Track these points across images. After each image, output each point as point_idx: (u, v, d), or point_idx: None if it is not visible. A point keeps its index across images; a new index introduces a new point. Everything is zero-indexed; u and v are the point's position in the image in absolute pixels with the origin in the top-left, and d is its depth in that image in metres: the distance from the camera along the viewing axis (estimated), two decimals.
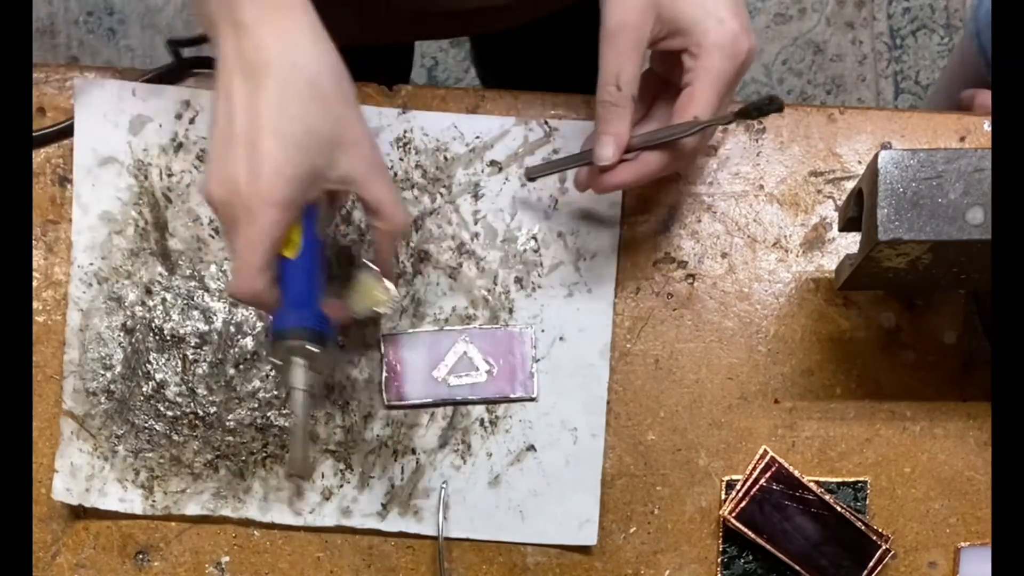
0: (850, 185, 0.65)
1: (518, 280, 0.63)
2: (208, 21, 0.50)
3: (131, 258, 0.63)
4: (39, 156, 0.64)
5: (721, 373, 0.64)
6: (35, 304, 0.63)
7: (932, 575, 0.63)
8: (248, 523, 0.62)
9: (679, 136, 0.54)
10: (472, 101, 0.65)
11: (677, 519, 0.63)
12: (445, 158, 0.64)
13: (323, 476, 0.62)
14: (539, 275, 0.63)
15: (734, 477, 0.63)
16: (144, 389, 0.62)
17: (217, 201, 0.49)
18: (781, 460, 0.62)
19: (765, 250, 0.65)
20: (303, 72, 0.48)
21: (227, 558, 0.63)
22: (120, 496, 0.62)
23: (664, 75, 0.57)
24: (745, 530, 0.61)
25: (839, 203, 0.65)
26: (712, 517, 0.63)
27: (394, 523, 0.62)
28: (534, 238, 0.64)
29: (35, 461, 0.62)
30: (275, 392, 0.62)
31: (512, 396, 0.62)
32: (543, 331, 0.63)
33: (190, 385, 0.63)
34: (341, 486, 0.62)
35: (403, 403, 0.62)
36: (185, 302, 0.63)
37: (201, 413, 0.62)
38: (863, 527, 0.61)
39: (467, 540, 0.62)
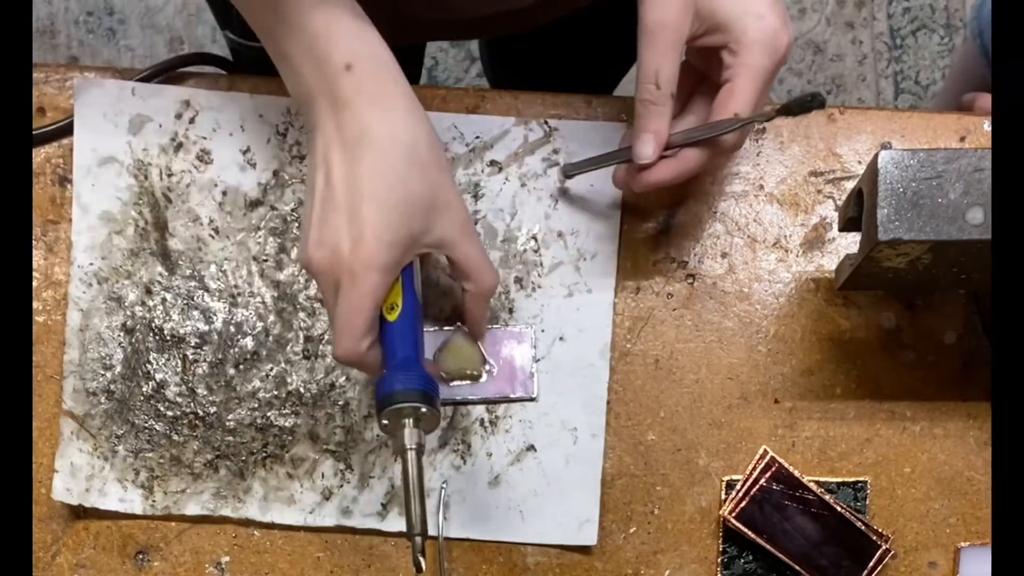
0: (850, 185, 0.65)
1: (518, 280, 0.63)
2: (304, 94, 0.52)
3: (131, 258, 0.63)
4: (39, 156, 0.64)
5: (721, 373, 0.64)
6: (35, 304, 0.63)
7: (932, 575, 0.63)
8: (248, 523, 0.62)
9: (720, 133, 0.54)
10: (472, 101, 0.65)
11: (677, 519, 0.63)
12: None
13: (323, 476, 0.62)
14: (539, 275, 0.63)
15: (734, 477, 0.63)
16: (144, 389, 0.62)
17: (318, 266, 0.51)
18: (781, 460, 0.62)
19: (765, 250, 0.65)
20: (401, 141, 0.50)
21: (227, 558, 0.63)
22: (120, 496, 0.62)
23: (701, 69, 0.57)
24: (745, 530, 0.61)
25: (839, 203, 0.65)
26: (712, 517, 0.63)
27: (394, 523, 0.62)
28: (534, 238, 0.64)
29: (35, 461, 0.62)
30: (275, 392, 0.63)
31: (512, 396, 0.62)
32: (543, 331, 0.63)
33: (190, 385, 0.63)
34: (341, 486, 0.62)
35: None
36: (185, 302, 0.63)
37: (201, 413, 0.62)
38: (863, 527, 0.61)
39: (467, 540, 0.62)
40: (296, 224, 0.63)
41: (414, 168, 0.51)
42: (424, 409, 0.53)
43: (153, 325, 0.63)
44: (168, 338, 0.63)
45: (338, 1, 0.51)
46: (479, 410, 0.63)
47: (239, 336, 0.63)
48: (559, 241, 0.63)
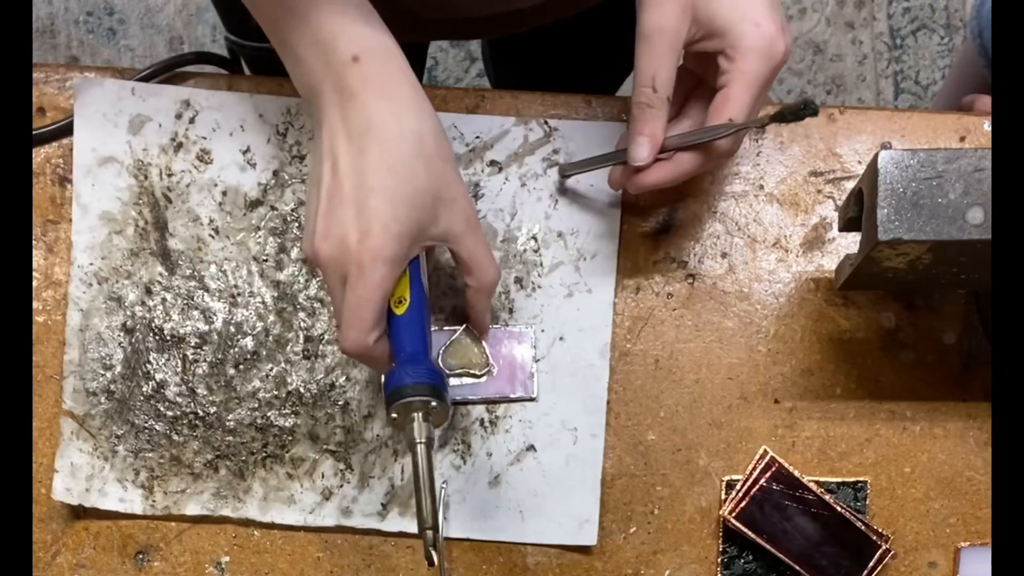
0: (850, 185, 0.65)
1: (518, 280, 0.63)
2: (310, 86, 0.52)
3: (131, 258, 0.63)
4: (39, 156, 0.64)
5: (721, 373, 0.64)
6: (35, 304, 0.63)
7: (932, 575, 0.63)
8: (248, 523, 0.62)
9: (714, 138, 0.54)
10: (472, 101, 0.65)
11: (677, 519, 0.63)
12: None
13: (323, 476, 0.62)
14: (539, 275, 0.63)
15: (734, 477, 0.63)
16: (144, 389, 0.62)
17: (325, 258, 0.50)
18: (781, 460, 0.62)
19: (765, 250, 0.65)
20: (408, 133, 0.50)
21: (227, 558, 0.63)
22: (120, 496, 0.62)
23: (698, 74, 0.57)
24: (745, 530, 0.61)
25: (839, 203, 0.65)
26: (712, 517, 0.63)
27: (394, 523, 0.62)
28: (534, 238, 0.64)
29: (35, 461, 0.62)
30: (275, 392, 0.63)
31: (512, 396, 0.62)
32: (543, 331, 0.63)
33: (190, 385, 0.63)
34: (341, 486, 0.62)
35: None
36: (185, 302, 0.63)
37: (201, 413, 0.62)
38: (863, 527, 0.61)
39: (467, 540, 0.62)
40: (296, 224, 0.63)
41: (421, 160, 0.50)
42: (434, 403, 0.53)
43: (153, 325, 0.63)
44: (168, 338, 0.63)
45: None
46: (479, 410, 0.63)
47: (239, 336, 0.63)
48: (559, 241, 0.64)
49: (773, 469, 0.62)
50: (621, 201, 0.64)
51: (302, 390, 0.62)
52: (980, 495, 0.63)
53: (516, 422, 0.62)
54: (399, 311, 0.53)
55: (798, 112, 0.54)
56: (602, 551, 0.63)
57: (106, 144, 0.63)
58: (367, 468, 0.62)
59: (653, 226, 0.65)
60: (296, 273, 0.63)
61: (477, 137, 0.64)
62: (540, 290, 0.63)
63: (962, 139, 0.65)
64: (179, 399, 0.62)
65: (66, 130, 0.63)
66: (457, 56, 1.61)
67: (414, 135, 0.50)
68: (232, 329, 0.63)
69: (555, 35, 0.82)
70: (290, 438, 0.62)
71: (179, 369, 0.63)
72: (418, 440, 0.52)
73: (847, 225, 0.58)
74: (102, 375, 0.62)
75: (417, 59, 1.00)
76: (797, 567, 0.61)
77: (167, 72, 0.64)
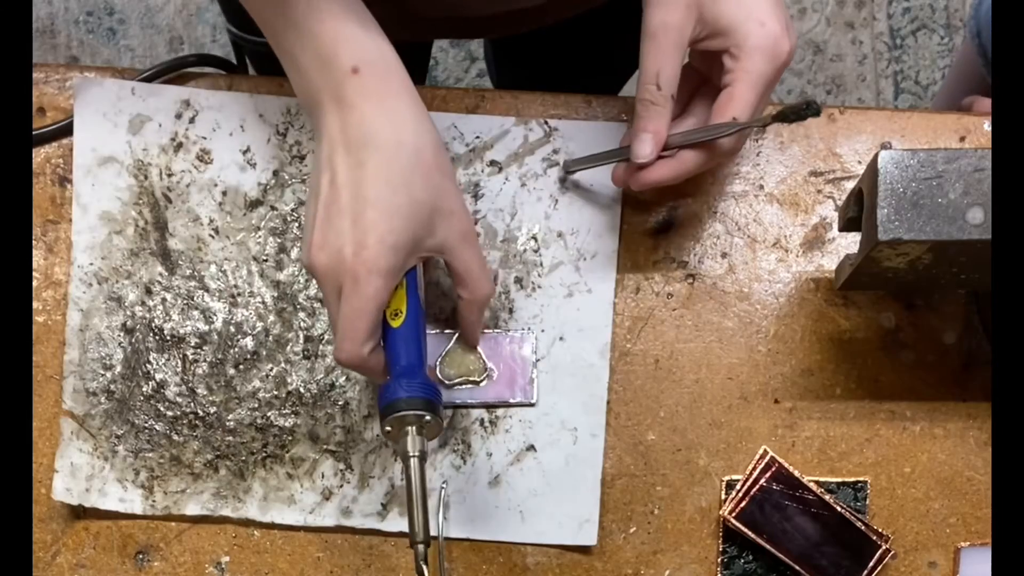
0: (850, 185, 0.65)
1: (518, 280, 0.63)
2: (310, 96, 0.52)
3: (131, 258, 0.63)
4: (39, 156, 0.64)
5: (721, 373, 0.64)
6: (35, 304, 0.63)
7: (932, 575, 0.63)
8: (248, 523, 0.62)
9: (717, 136, 0.54)
10: (472, 101, 0.65)
11: (677, 519, 0.63)
12: None
13: (323, 476, 0.62)
14: (539, 275, 0.63)
15: (734, 477, 0.63)
16: (144, 389, 0.62)
17: (321, 269, 0.51)
18: (781, 460, 0.62)
19: (765, 250, 0.65)
20: (406, 145, 0.50)
21: (227, 558, 0.63)
22: (120, 496, 0.62)
23: (703, 72, 0.57)
24: (745, 530, 0.61)
25: (839, 203, 0.65)
26: (712, 517, 0.63)
27: (394, 523, 0.62)
28: (534, 238, 0.64)
29: (35, 461, 0.62)
30: (275, 392, 0.63)
31: (512, 401, 0.62)
32: (543, 331, 0.63)
33: (190, 385, 0.63)
34: (341, 486, 0.62)
35: None
36: (185, 302, 0.63)
37: (201, 413, 0.62)
38: (863, 527, 0.61)
39: (467, 540, 0.62)
40: (296, 224, 0.63)
41: (418, 173, 0.51)
42: (428, 417, 0.53)
43: (153, 325, 0.63)
44: (168, 338, 0.63)
45: (346, 4, 0.51)
46: (479, 410, 0.63)
47: (239, 336, 0.63)
48: (559, 241, 0.63)
49: (773, 469, 0.62)
50: (621, 201, 0.64)
51: (302, 390, 0.62)
52: (980, 495, 0.63)
53: (516, 422, 0.62)
54: (395, 323, 0.53)
55: (800, 112, 0.54)
56: (602, 551, 0.63)
57: (106, 144, 0.63)
58: (367, 468, 0.62)
59: (653, 226, 0.65)
60: (296, 273, 0.63)
61: (477, 137, 0.64)
62: (540, 290, 0.63)
63: (962, 139, 0.65)
64: (179, 399, 0.62)
65: (66, 130, 0.63)
66: (457, 56, 1.61)
67: (412, 147, 0.51)
68: (232, 329, 0.63)
69: (558, 35, 0.82)
70: (290, 438, 0.62)
71: (179, 369, 0.63)
72: (411, 454, 0.53)
73: (847, 225, 0.58)
74: (102, 375, 0.62)
75: (419, 58, 1.00)
76: (797, 567, 0.61)
77: (168, 74, 0.64)
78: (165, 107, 0.63)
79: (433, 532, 0.61)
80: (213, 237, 0.63)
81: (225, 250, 0.63)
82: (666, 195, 0.64)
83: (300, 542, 0.63)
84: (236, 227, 0.63)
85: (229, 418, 0.62)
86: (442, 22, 0.71)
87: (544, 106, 0.65)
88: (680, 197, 0.65)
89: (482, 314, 0.59)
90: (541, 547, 0.63)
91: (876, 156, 0.51)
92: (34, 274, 0.63)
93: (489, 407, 0.63)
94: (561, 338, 0.63)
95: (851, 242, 0.64)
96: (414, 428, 0.53)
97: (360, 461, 0.62)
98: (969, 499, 0.63)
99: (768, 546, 0.61)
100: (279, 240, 0.63)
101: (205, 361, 0.63)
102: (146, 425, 0.62)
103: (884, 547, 0.61)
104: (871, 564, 0.61)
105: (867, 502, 0.63)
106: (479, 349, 0.62)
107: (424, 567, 0.51)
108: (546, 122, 0.64)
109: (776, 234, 0.65)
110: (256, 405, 0.62)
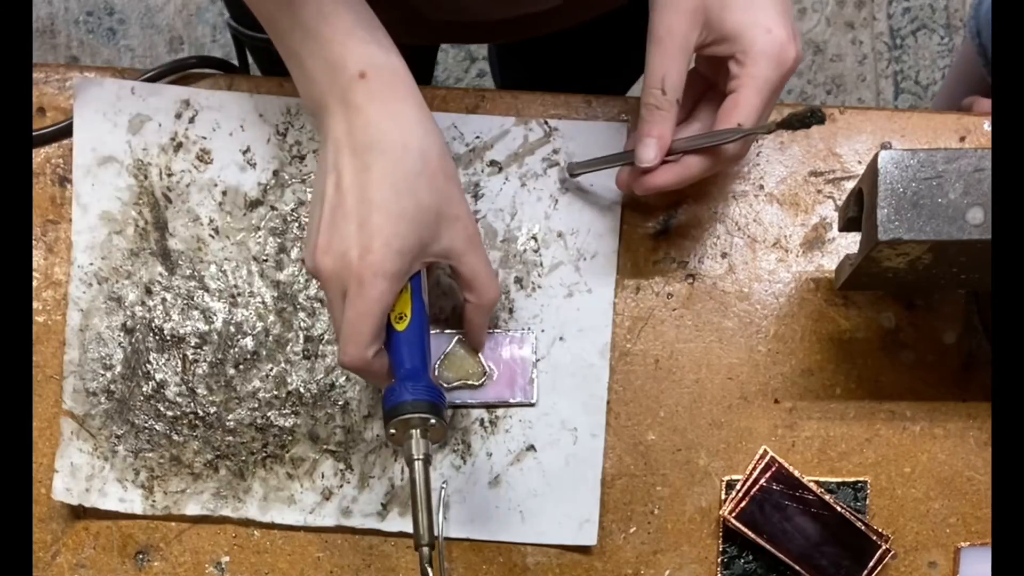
0: (850, 185, 0.65)
1: (518, 280, 0.63)
2: (315, 100, 0.52)
3: (131, 258, 0.63)
4: (39, 156, 0.64)
5: (721, 373, 0.64)
6: (35, 304, 0.63)
7: (932, 575, 0.63)
8: (248, 523, 0.62)
9: (722, 142, 0.54)
10: (472, 101, 0.65)
11: (677, 519, 0.63)
12: None
13: (323, 476, 0.62)
14: (539, 275, 0.63)
15: (734, 477, 0.63)
16: (144, 389, 0.62)
17: (326, 272, 0.51)
18: (781, 460, 0.62)
19: (765, 250, 0.65)
20: (412, 150, 0.50)
21: (227, 558, 0.63)
22: (120, 496, 0.62)
23: (709, 77, 0.57)
24: (745, 530, 0.61)
25: (839, 203, 0.65)
26: (712, 517, 0.63)
27: (394, 523, 0.62)
28: (534, 238, 0.64)
29: (35, 461, 0.62)
30: (275, 392, 0.63)
31: (512, 401, 0.62)
32: (543, 331, 0.63)
33: (190, 385, 0.63)
34: (341, 486, 0.62)
35: None
36: (185, 302, 0.63)
37: (201, 413, 0.62)
38: (863, 527, 0.61)
39: (467, 540, 0.62)
40: (296, 224, 0.63)
41: (424, 177, 0.51)
42: (432, 420, 0.53)
43: (153, 325, 0.63)
44: (168, 338, 0.63)
45: (354, 7, 0.51)
46: (479, 410, 0.63)
47: (239, 336, 0.63)
48: (559, 241, 0.63)
49: (773, 469, 0.62)
50: (621, 201, 0.64)
51: (302, 390, 0.62)
52: (980, 495, 0.63)
53: (516, 422, 0.62)
54: (399, 327, 0.53)
55: (805, 119, 0.54)
56: (602, 551, 0.63)
57: (106, 144, 0.63)
58: (367, 468, 0.62)
59: (653, 226, 0.65)
60: (296, 273, 0.63)
61: (477, 137, 0.64)
62: (540, 290, 0.63)
63: (962, 139, 0.65)
64: (179, 399, 0.62)
65: (66, 130, 0.63)
66: (457, 56, 1.61)
67: (418, 152, 0.51)
68: (232, 329, 0.63)
69: (564, 40, 0.82)
70: (290, 438, 0.62)
71: (179, 369, 0.63)
72: (416, 456, 0.53)
73: (847, 225, 0.58)
74: (102, 375, 0.62)
75: (426, 61, 1.00)
76: (797, 567, 0.61)
77: (169, 76, 0.64)
78: (165, 107, 0.63)
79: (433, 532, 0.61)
80: (213, 237, 0.63)
81: (225, 250, 0.63)
82: (667, 196, 0.64)
83: (300, 542, 0.63)
84: (236, 227, 0.63)
85: (229, 418, 0.62)
86: (448, 26, 0.71)
87: (544, 106, 0.65)
88: (681, 198, 0.65)
89: (488, 317, 0.59)
90: (541, 547, 0.63)
91: (876, 156, 0.51)
92: (34, 274, 0.63)
93: (489, 407, 0.63)
94: (561, 338, 0.63)
95: (851, 242, 0.64)
96: (418, 431, 0.53)
97: (360, 461, 0.62)
98: (969, 499, 0.63)
99: (768, 546, 0.61)
100: (279, 240, 0.63)
101: (205, 361, 0.63)
102: (146, 425, 0.62)
103: (884, 547, 0.61)
104: (871, 564, 0.61)
105: (867, 502, 0.63)
106: (479, 355, 0.62)
107: (429, 570, 0.52)
108: (546, 122, 0.64)
109: (776, 234, 0.65)
110: (256, 405, 0.62)
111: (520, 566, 0.63)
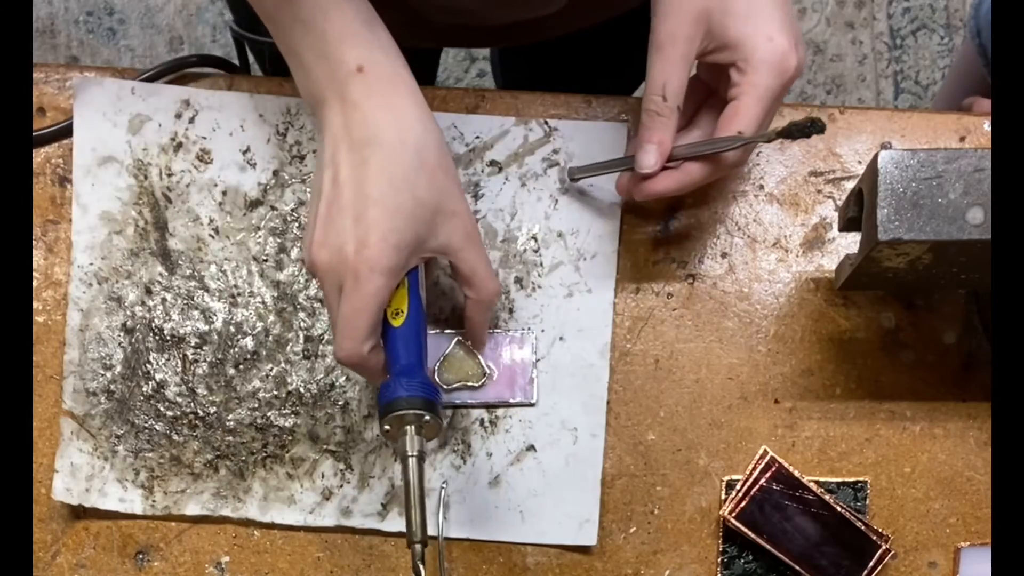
0: (850, 185, 0.65)
1: (518, 280, 0.63)
2: (314, 95, 0.52)
3: (131, 258, 0.63)
4: (39, 156, 0.64)
5: (721, 373, 0.64)
6: (35, 304, 0.63)
7: (932, 575, 0.63)
8: (248, 523, 0.62)
9: (722, 150, 0.54)
10: (472, 101, 0.65)
11: (677, 519, 0.63)
12: None
13: (323, 476, 0.62)
14: (539, 275, 0.63)
15: (734, 477, 0.63)
16: (144, 389, 0.62)
17: (322, 267, 0.51)
18: (781, 460, 0.62)
19: (765, 250, 0.65)
20: (409, 145, 0.50)
21: (227, 558, 0.63)
22: (120, 496, 0.62)
23: (710, 84, 0.57)
24: (745, 530, 0.61)
25: (839, 203, 0.65)
26: (712, 517, 0.63)
27: (394, 523, 0.62)
28: (534, 238, 0.64)
29: (35, 461, 0.62)
30: (275, 392, 0.63)
31: (512, 401, 0.62)
32: (543, 331, 0.63)
33: (190, 385, 0.63)
34: (341, 486, 0.62)
35: None
36: (185, 302, 0.63)
37: (201, 413, 0.62)
38: (863, 527, 0.61)
39: (467, 540, 0.62)
40: (296, 224, 0.63)
41: (422, 172, 0.51)
42: (427, 417, 0.53)
43: (153, 325, 0.63)
44: (168, 338, 0.63)
45: (354, 3, 0.51)
46: (479, 410, 0.63)
47: (239, 336, 0.63)
48: (559, 241, 0.63)
49: (773, 469, 0.62)
50: (622, 201, 0.64)
51: (302, 390, 0.62)
52: (980, 495, 0.63)
53: (516, 422, 0.62)
54: (396, 323, 0.53)
55: (805, 129, 0.54)
56: (602, 551, 0.63)
57: (106, 144, 0.63)
58: (367, 468, 0.62)
59: (653, 226, 0.65)
60: (296, 273, 0.63)
61: (477, 137, 0.64)
62: (540, 290, 0.63)
63: (962, 139, 0.65)
64: (179, 399, 0.62)
65: (66, 130, 0.63)
66: (457, 56, 1.61)
67: (416, 147, 0.51)
68: (232, 329, 0.63)
69: (566, 46, 0.82)
70: (290, 438, 0.62)
71: (179, 369, 0.63)
72: (410, 453, 0.53)
73: (847, 225, 0.58)
74: (102, 375, 0.62)
75: (428, 62, 1.00)
76: (797, 567, 0.61)
77: (169, 75, 0.64)
78: (165, 107, 0.63)
79: (433, 532, 0.61)
80: (213, 237, 0.63)
81: (225, 250, 0.63)
82: (667, 200, 0.64)
83: (300, 542, 0.63)
84: (236, 227, 0.63)
85: (229, 418, 0.62)
86: (451, 29, 0.71)
87: (544, 106, 0.65)
88: (681, 199, 0.65)
89: (489, 314, 0.58)
90: (541, 547, 0.63)
91: (876, 156, 0.51)
92: (34, 274, 0.63)
93: (489, 407, 0.63)
94: (561, 338, 0.63)
95: (851, 242, 0.64)
96: (413, 428, 0.53)
97: (360, 461, 0.62)
98: (969, 499, 0.63)
99: (768, 546, 0.61)
100: (279, 240, 0.63)
101: (205, 361, 0.63)
102: (146, 425, 0.62)
103: (884, 547, 0.61)
104: (871, 564, 0.61)
105: (867, 502, 0.63)
106: (478, 355, 0.62)
107: (421, 567, 0.52)
108: (546, 122, 0.64)
109: (776, 234, 0.65)
110: (256, 405, 0.62)
111: (520, 566, 0.63)
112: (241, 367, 0.63)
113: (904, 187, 0.51)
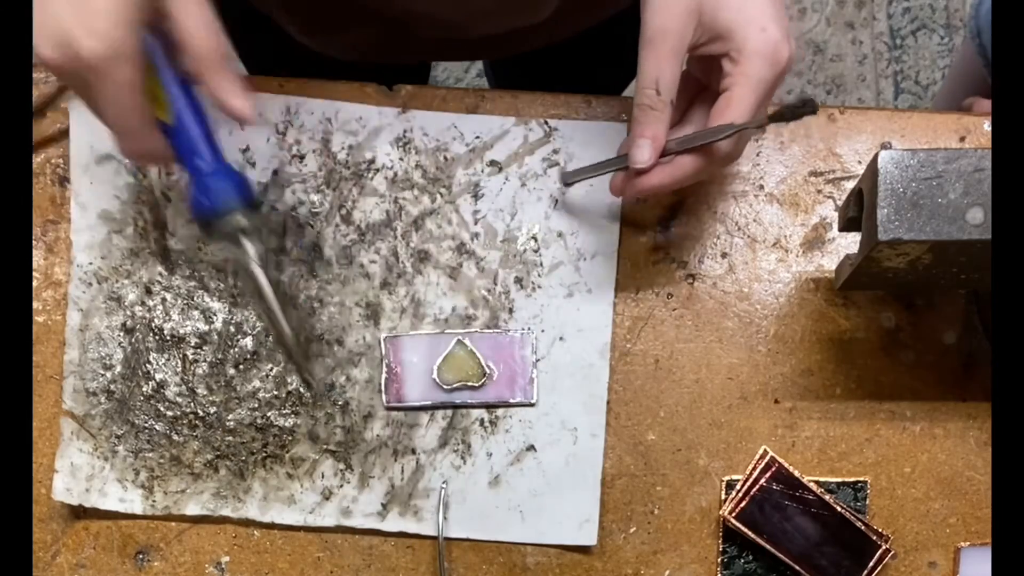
0: (850, 185, 0.65)
1: (518, 280, 0.63)
2: None
3: (131, 258, 0.63)
4: (39, 156, 0.64)
5: (721, 373, 0.64)
6: (35, 304, 0.63)
7: (932, 575, 0.63)
8: (248, 523, 0.62)
9: (714, 140, 0.54)
10: (472, 101, 0.65)
11: (677, 519, 0.63)
12: (445, 158, 0.64)
13: (323, 476, 0.62)
14: (539, 275, 0.63)
15: (734, 477, 0.63)
16: (144, 389, 0.62)
17: (55, 68, 0.46)
18: (781, 460, 0.62)
19: (765, 250, 0.65)
20: None
21: (227, 558, 0.63)
22: (120, 496, 0.62)
23: (702, 78, 0.57)
24: (745, 530, 0.61)
25: (839, 203, 0.65)
26: (712, 517, 0.63)
27: (394, 523, 0.62)
28: (534, 238, 0.64)
29: (35, 461, 0.62)
30: (275, 392, 0.63)
31: (512, 401, 0.62)
32: (543, 331, 0.63)
33: (190, 385, 0.63)
34: (341, 486, 0.62)
35: (402, 405, 0.62)
36: (185, 302, 0.63)
37: (201, 413, 0.62)
38: (863, 527, 0.61)
39: (467, 540, 0.62)
40: (297, 224, 0.63)
41: None
42: (250, 216, 0.48)
43: (153, 325, 0.63)
44: (168, 338, 0.63)
45: None
46: (479, 410, 0.63)
47: (239, 336, 0.63)
48: (559, 241, 0.63)
49: (773, 469, 0.62)
50: (622, 201, 0.64)
51: (302, 390, 0.62)
52: (980, 495, 0.63)
53: (516, 422, 0.62)
54: (163, 115, 0.48)
55: (797, 110, 0.54)
56: (602, 551, 0.63)
57: (104, 141, 0.63)
58: (367, 468, 0.62)
59: (653, 226, 0.65)
60: (296, 273, 0.63)
61: (477, 137, 0.64)
62: (540, 290, 0.63)
63: (962, 139, 0.65)
64: (179, 399, 0.62)
65: (66, 131, 0.63)
66: None
67: None
68: (232, 329, 0.63)
69: (555, 53, 0.82)
70: (290, 438, 0.62)
71: (179, 369, 0.63)
72: (251, 260, 0.50)
73: (847, 225, 0.58)
74: (102, 375, 0.62)
75: (420, 77, 1.00)
76: (797, 567, 0.61)
77: None
78: None
79: (433, 532, 0.61)
80: None
81: (225, 250, 0.63)
82: (666, 195, 0.64)
83: (300, 542, 0.63)
84: None
85: (229, 418, 0.62)
86: (439, 43, 0.71)
87: (544, 106, 0.65)
88: (680, 198, 0.65)
89: (218, 79, 0.49)
90: (541, 547, 0.63)
91: (876, 156, 0.51)
92: (34, 274, 0.63)
93: (489, 407, 0.63)
94: (561, 338, 0.63)
95: (851, 242, 0.64)
96: (241, 231, 0.49)
97: (360, 461, 0.62)
98: (969, 499, 0.63)
99: (768, 546, 0.61)
100: (279, 240, 0.63)
101: (205, 361, 0.63)
102: (146, 425, 0.62)
103: (884, 547, 0.61)
104: (871, 564, 0.61)
105: (867, 502, 0.63)
106: (478, 353, 0.62)
107: (311, 379, 0.47)
108: (546, 122, 0.64)
109: (776, 234, 0.65)
110: (256, 405, 0.62)
111: (520, 566, 0.63)
112: (241, 367, 0.63)
113: (904, 187, 0.51)
